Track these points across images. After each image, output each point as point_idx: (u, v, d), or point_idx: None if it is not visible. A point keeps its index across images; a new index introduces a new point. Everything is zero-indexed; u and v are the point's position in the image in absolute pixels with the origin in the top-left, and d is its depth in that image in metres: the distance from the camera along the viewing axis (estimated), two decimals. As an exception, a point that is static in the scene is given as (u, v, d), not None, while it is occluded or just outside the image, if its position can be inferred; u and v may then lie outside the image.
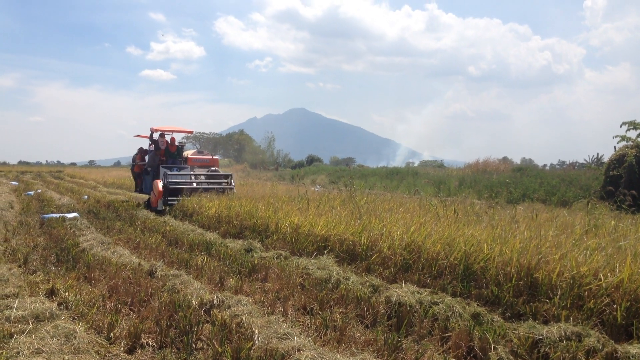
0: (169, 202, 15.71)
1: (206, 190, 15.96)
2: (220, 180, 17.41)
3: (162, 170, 16.78)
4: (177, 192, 15.98)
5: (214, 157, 19.39)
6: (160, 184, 15.99)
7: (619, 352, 4.47)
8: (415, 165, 56.17)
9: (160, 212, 15.32)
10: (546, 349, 4.59)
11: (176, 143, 18.44)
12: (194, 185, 16.80)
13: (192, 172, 17.63)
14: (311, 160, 70.57)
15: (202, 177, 17.63)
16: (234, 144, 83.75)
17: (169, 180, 16.05)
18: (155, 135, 18.15)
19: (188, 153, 19.14)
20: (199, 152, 19.75)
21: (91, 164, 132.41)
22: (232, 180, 17.28)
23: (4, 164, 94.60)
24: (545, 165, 51.16)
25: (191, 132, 19.69)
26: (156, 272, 7.33)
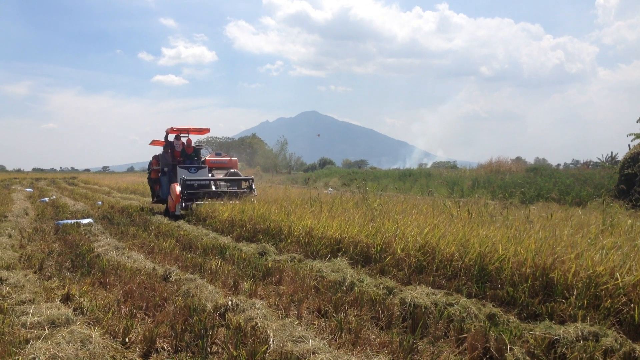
0: (188, 205, 15.21)
1: (226, 193, 15.47)
2: (240, 183, 16.76)
3: (179, 171, 16.31)
4: (196, 194, 15.56)
5: (232, 158, 18.66)
6: (178, 188, 15.52)
7: (637, 351, 4.42)
8: (428, 166, 56.07)
9: (179, 217, 14.97)
10: (563, 350, 4.54)
11: (192, 144, 18.02)
12: (213, 188, 16.27)
13: (210, 177, 16.98)
14: (323, 163, 70.68)
15: (222, 181, 16.98)
16: (246, 147, 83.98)
17: (187, 182, 15.49)
18: (171, 137, 17.84)
19: (205, 156, 18.64)
20: (217, 154, 19.09)
21: (105, 169, 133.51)
22: (254, 184, 16.60)
23: (19, 171, 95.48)
24: (559, 165, 50.89)
25: (208, 130, 18.90)
26: (170, 276, 7.35)
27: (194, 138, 18.93)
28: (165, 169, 17.25)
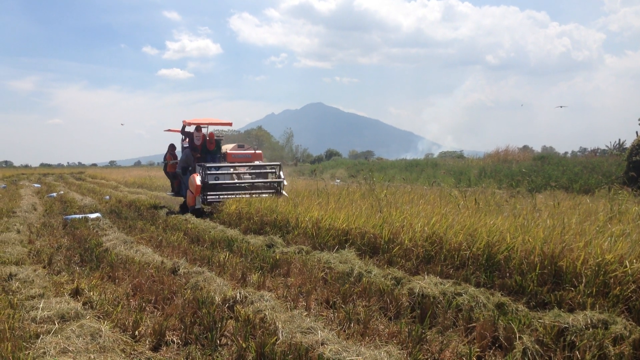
0: (209, 201, 14.31)
1: (253, 193, 14.35)
2: (267, 176, 15.59)
3: (198, 168, 14.99)
4: (217, 188, 14.51)
5: (256, 151, 16.82)
6: (198, 178, 14.21)
7: (647, 338, 4.41)
8: (435, 156, 55.86)
9: (199, 213, 14.11)
10: (572, 338, 4.54)
11: (214, 137, 16.49)
12: (236, 183, 15.18)
13: (232, 171, 15.67)
14: (330, 154, 70.65)
15: (247, 175, 15.76)
16: (252, 140, 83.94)
17: (208, 173, 14.28)
18: (190, 129, 16.35)
19: (227, 148, 17.04)
20: (239, 147, 17.05)
21: (112, 164, 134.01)
22: (283, 182, 15.22)
23: (26, 166, 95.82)
24: (566, 153, 50.63)
25: (230, 124, 17.11)
26: (179, 269, 7.37)
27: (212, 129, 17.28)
28: (190, 168, 15.75)
